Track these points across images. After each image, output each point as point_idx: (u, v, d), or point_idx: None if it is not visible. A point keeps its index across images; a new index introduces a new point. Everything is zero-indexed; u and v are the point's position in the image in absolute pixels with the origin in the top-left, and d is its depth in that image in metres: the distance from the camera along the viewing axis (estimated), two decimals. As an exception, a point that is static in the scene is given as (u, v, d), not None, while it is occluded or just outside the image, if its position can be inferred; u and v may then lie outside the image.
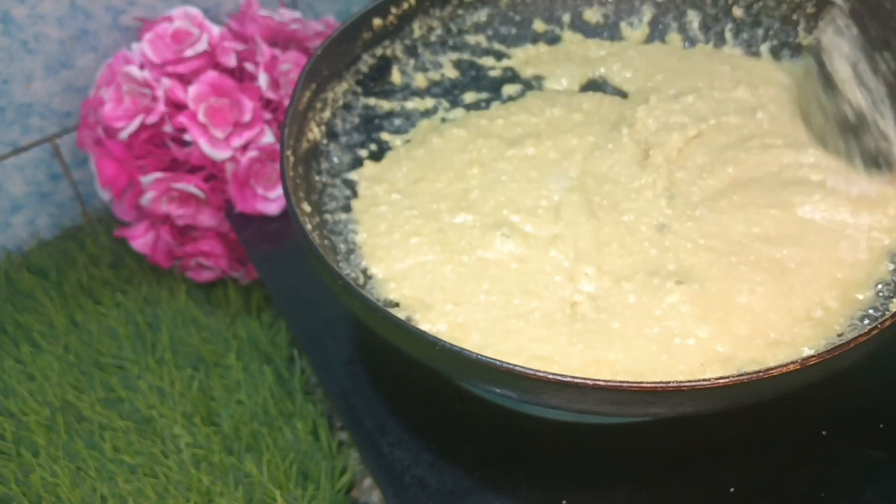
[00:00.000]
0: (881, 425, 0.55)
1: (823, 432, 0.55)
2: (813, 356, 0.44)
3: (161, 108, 0.71)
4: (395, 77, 0.71)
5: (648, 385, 0.43)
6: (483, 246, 0.58)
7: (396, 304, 0.55)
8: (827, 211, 0.57)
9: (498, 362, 0.44)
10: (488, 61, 0.73)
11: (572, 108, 0.67)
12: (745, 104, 0.66)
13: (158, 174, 0.72)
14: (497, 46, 0.74)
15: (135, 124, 0.71)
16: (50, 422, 0.68)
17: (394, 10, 0.69)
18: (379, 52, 0.70)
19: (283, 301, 0.67)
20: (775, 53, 0.70)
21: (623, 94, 0.70)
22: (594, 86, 0.71)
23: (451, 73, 0.72)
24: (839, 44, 0.57)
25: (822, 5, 0.67)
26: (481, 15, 0.74)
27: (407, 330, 0.47)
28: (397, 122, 0.69)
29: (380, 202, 0.62)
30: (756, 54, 0.71)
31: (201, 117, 0.71)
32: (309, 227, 0.55)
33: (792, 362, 0.44)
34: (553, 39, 0.74)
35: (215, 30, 0.74)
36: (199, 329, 0.75)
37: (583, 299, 0.54)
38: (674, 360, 0.50)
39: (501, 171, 0.62)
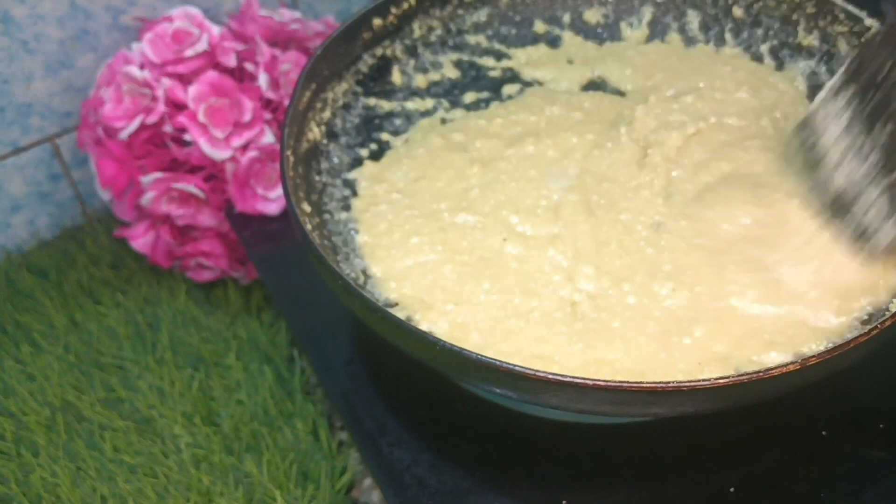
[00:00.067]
0: (881, 425, 0.55)
1: (823, 432, 0.55)
2: (813, 356, 0.44)
3: (161, 108, 0.71)
4: (396, 77, 0.71)
5: (648, 385, 0.43)
6: (483, 245, 0.58)
7: (396, 304, 0.55)
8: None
9: (498, 362, 0.44)
10: (488, 61, 0.73)
11: (572, 106, 0.67)
12: (748, 106, 0.66)
13: (158, 174, 0.72)
14: (497, 46, 0.74)
15: (135, 124, 0.71)
16: (50, 422, 0.68)
17: (394, 10, 0.69)
18: (379, 52, 0.70)
19: (283, 301, 0.67)
20: (775, 54, 0.70)
21: (623, 95, 0.70)
22: (594, 86, 0.71)
23: (451, 73, 0.72)
24: (833, 123, 0.53)
25: (822, 5, 0.67)
26: (481, 15, 0.74)
27: (407, 330, 0.47)
28: (397, 122, 0.69)
29: (380, 201, 0.62)
30: (756, 54, 0.71)
31: (201, 117, 0.71)
32: (309, 227, 0.55)
33: (792, 362, 0.44)
34: (553, 40, 0.74)
35: (215, 30, 0.74)
36: (199, 329, 0.75)
37: (582, 298, 0.54)
38: (672, 359, 0.50)
39: (501, 171, 0.62)
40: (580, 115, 0.67)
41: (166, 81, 0.72)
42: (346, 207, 0.62)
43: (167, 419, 0.67)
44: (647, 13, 0.74)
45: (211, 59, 0.73)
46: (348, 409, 0.59)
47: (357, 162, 0.66)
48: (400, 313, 0.54)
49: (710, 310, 0.52)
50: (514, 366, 0.43)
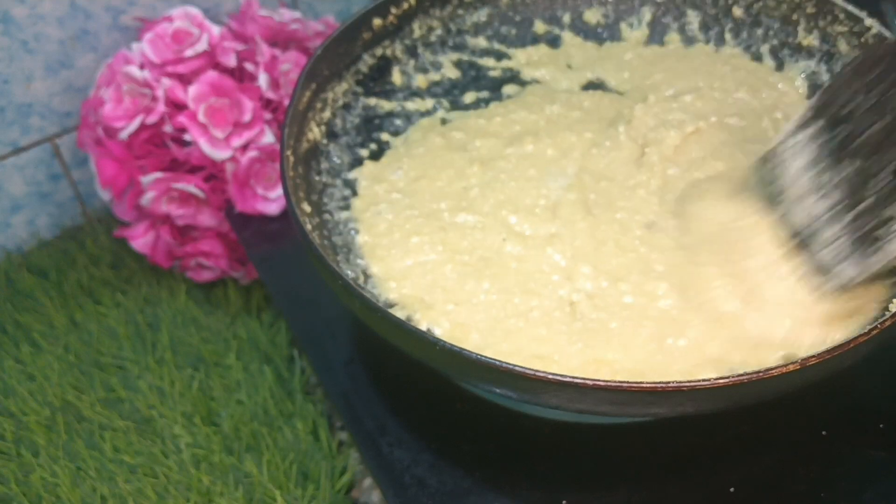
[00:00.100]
0: (881, 425, 0.55)
1: (823, 432, 0.55)
2: (813, 356, 0.44)
3: (161, 108, 0.71)
4: (396, 77, 0.71)
5: (648, 385, 0.43)
6: (483, 245, 0.58)
7: (396, 304, 0.55)
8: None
9: (498, 362, 0.44)
10: (488, 62, 0.73)
11: (572, 105, 0.67)
12: (748, 106, 0.66)
13: (158, 174, 0.72)
14: (497, 47, 0.74)
15: (135, 124, 0.71)
16: (50, 422, 0.68)
17: (394, 10, 0.69)
18: (379, 52, 0.70)
19: (283, 301, 0.67)
20: (775, 54, 0.70)
21: (622, 95, 0.70)
22: (594, 86, 0.71)
23: (451, 73, 0.72)
24: (798, 157, 0.51)
25: (822, 5, 0.67)
26: (481, 15, 0.74)
27: (407, 330, 0.47)
28: (397, 121, 0.69)
29: (380, 201, 0.62)
30: (756, 54, 0.71)
31: (201, 117, 0.71)
32: (309, 227, 0.55)
33: (792, 362, 0.44)
34: (553, 40, 0.74)
35: (215, 30, 0.74)
36: (199, 329, 0.75)
37: (581, 298, 0.54)
38: (670, 359, 0.50)
39: (501, 170, 0.62)
40: (579, 114, 0.67)
41: (166, 81, 0.72)
42: (346, 207, 0.62)
43: (167, 419, 0.67)
44: (647, 13, 0.74)
45: (211, 59, 0.73)
46: (348, 409, 0.59)
47: (357, 162, 0.66)
48: (400, 313, 0.54)
49: (702, 310, 0.52)
50: (514, 366, 0.43)
